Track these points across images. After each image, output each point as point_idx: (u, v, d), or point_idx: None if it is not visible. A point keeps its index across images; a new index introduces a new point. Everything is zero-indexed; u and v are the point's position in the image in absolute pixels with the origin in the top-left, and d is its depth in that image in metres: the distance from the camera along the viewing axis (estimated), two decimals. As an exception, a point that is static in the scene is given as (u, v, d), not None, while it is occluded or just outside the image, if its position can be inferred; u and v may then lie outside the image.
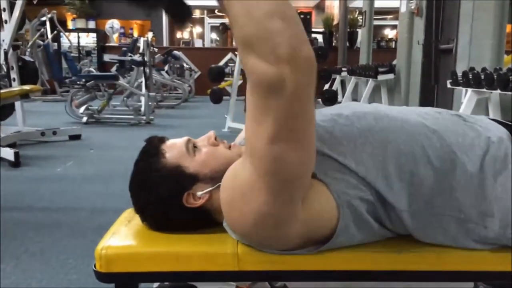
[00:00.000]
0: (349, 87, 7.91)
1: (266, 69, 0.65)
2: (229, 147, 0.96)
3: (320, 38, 10.90)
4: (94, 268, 0.87)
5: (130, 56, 7.29)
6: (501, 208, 0.82)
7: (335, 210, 0.80)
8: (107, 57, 9.83)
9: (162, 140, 0.96)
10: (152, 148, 0.94)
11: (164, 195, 0.90)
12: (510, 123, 0.93)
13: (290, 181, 0.74)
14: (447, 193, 0.83)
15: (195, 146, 0.94)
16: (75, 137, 4.65)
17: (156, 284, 1.16)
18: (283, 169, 0.72)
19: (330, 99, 5.35)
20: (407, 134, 0.86)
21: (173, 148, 0.93)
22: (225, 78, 6.51)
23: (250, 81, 0.69)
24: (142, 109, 6.04)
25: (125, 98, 6.73)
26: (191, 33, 15.34)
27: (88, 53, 10.96)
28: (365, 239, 0.86)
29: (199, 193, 0.90)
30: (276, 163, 0.72)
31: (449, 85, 4.27)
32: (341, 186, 0.81)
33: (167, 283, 1.14)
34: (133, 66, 6.93)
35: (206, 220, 0.93)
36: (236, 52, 6.51)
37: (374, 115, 0.89)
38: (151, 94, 6.36)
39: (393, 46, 10.19)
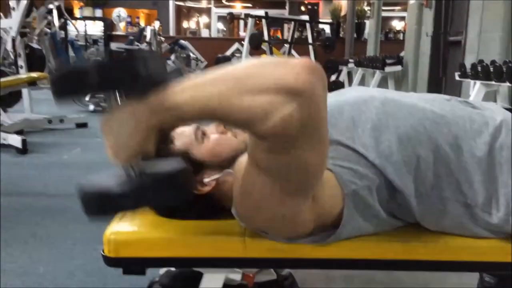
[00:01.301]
0: (356, 79, 7.87)
1: (282, 115, 0.62)
2: (235, 135, 0.96)
3: (327, 28, 10.84)
4: (102, 253, 0.88)
5: (137, 45, 7.29)
6: (507, 195, 0.82)
7: (341, 199, 0.80)
8: (114, 46, 9.81)
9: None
10: (161, 135, 0.94)
11: None
12: None
13: (308, 180, 0.75)
14: (454, 178, 0.83)
15: (203, 133, 0.94)
16: (82, 125, 4.67)
17: (163, 270, 1.17)
18: (303, 173, 0.72)
19: (337, 90, 5.32)
20: (415, 119, 0.85)
21: (182, 135, 0.93)
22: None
23: (270, 138, 0.66)
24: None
25: (131, 87, 6.73)
26: (197, 23, 15.30)
27: (95, 42, 10.94)
28: (374, 229, 0.86)
29: (206, 180, 0.90)
30: (298, 173, 0.72)
31: (457, 78, 4.24)
32: (349, 175, 0.81)
33: (173, 268, 1.15)
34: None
35: (214, 207, 0.93)
36: (242, 42, 6.47)
37: (382, 100, 0.89)
38: (157, 83, 6.35)
39: (401, 38, 10.13)
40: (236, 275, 1.02)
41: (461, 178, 0.83)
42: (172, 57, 9.20)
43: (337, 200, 0.80)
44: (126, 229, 0.90)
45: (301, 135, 0.66)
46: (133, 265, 0.88)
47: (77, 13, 12.15)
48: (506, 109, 0.93)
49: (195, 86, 0.66)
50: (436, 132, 0.84)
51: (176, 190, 0.70)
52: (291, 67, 0.63)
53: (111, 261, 0.87)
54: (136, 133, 0.67)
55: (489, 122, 0.87)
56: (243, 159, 0.80)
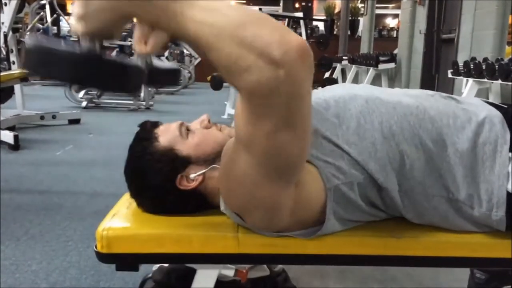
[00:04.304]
0: (350, 76, 7.89)
1: (258, 78, 0.61)
2: (220, 130, 0.97)
3: (321, 26, 10.85)
4: (95, 249, 0.87)
5: (130, 41, 7.24)
6: (488, 190, 0.83)
7: (323, 193, 0.81)
8: (106, 42, 9.75)
9: (155, 124, 0.97)
10: (146, 133, 0.95)
11: (158, 178, 0.91)
12: (505, 106, 0.93)
13: (288, 168, 0.75)
14: (437, 174, 0.84)
15: (188, 129, 0.95)
16: (75, 121, 4.65)
17: (156, 266, 1.17)
18: (281, 159, 0.72)
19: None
20: (399, 115, 0.86)
21: (166, 132, 0.94)
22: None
23: (243, 94, 0.66)
24: (142, 94, 6.02)
25: (124, 84, 6.70)
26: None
27: (88, 38, 10.87)
28: (358, 221, 0.87)
29: (192, 176, 0.91)
30: (275, 155, 0.72)
31: (450, 75, 4.27)
32: (332, 170, 0.82)
33: (167, 264, 1.15)
34: (133, 51, 6.89)
35: (201, 203, 0.94)
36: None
37: (366, 97, 0.89)
38: (151, 79, 6.33)
39: (395, 35, 10.17)
40: (229, 271, 1.02)
41: (445, 174, 0.84)
42: (166, 53, 9.17)
43: (320, 194, 0.81)
44: (119, 225, 0.90)
45: (279, 107, 0.65)
46: (126, 261, 0.88)
47: (70, 8, 12.07)
48: (491, 104, 0.94)
49: (207, 8, 0.63)
50: (420, 128, 0.85)
51: (121, 80, 0.67)
52: (285, 40, 0.62)
53: (104, 257, 0.86)
54: (110, 11, 0.64)
55: (472, 118, 0.87)
56: (229, 143, 0.80)
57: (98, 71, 0.66)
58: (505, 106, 0.92)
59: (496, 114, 0.88)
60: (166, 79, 0.94)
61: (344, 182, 0.82)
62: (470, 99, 0.96)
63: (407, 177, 0.84)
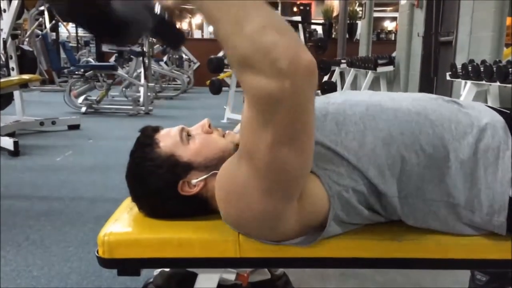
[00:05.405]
0: (348, 79, 7.90)
1: (265, 84, 0.64)
2: (223, 135, 0.97)
3: (319, 29, 10.88)
4: (96, 254, 0.87)
5: (129, 46, 7.25)
6: (490, 196, 0.83)
7: (326, 200, 0.81)
8: (105, 47, 9.78)
9: (156, 129, 0.96)
10: (146, 138, 0.94)
11: (159, 184, 0.91)
12: (507, 111, 0.93)
13: (289, 182, 0.75)
14: (438, 179, 0.84)
15: (189, 135, 0.94)
16: (74, 127, 4.65)
17: (157, 271, 1.18)
18: (283, 173, 0.73)
19: (329, 90, 5.35)
20: (400, 121, 0.86)
21: (167, 137, 0.93)
22: (225, 69, 6.48)
23: (249, 97, 0.68)
24: (141, 99, 6.03)
25: (124, 89, 6.72)
26: (190, 23, 15.27)
27: (87, 43, 10.90)
28: (358, 223, 0.88)
29: (194, 181, 0.91)
30: (277, 168, 0.72)
31: (448, 77, 4.28)
32: (332, 177, 0.82)
33: (168, 269, 1.16)
34: (132, 56, 6.91)
35: (202, 208, 0.94)
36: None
37: (367, 103, 0.89)
38: (150, 84, 6.35)
39: (393, 38, 10.20)
40: (230, 275, 1.03)
41: (445, 179, 0.83)
42: (165, 58, 9.18)
43: (322, 202, 0.81)
44: (120, 230, 0.90)
45: (283, 118, 0.67)
46: (128, 266, 0.88)
47: (68, 14, 12.06)
48: (494, 109, 0.94)
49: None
50: (420, 134, 0.85)
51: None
52: (297, 55, 0.63)
53: (105, 263, 0.87)
54: None
55: (474, 123, 0.87)
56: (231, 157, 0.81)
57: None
58: (508, 112, 0.93)
59: (499, 120, 0.88)
60: (171, 37, 1.02)
61: (345, 188, 0.82)
62: (473, 103, 0.96)
63: (407, 183, 0.84)
